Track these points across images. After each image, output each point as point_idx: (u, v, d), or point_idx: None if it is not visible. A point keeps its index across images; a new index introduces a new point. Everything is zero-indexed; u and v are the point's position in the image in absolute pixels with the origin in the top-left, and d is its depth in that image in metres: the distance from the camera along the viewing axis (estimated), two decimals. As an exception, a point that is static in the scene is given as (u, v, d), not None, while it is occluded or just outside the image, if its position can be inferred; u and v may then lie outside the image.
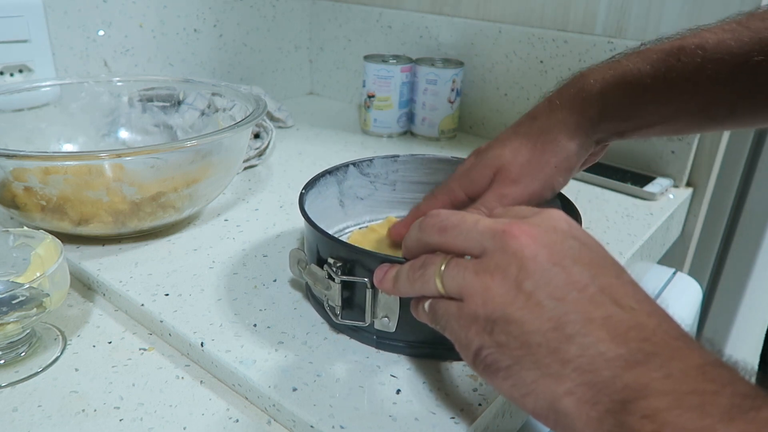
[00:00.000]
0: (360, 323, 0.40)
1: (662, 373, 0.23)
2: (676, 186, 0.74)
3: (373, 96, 0.87)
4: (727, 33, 0.41)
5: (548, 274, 0.27)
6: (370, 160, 0.55)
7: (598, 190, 0.72)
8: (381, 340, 0.41)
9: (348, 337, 0.42)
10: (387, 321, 0.39)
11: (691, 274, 0.80)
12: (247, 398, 0.39)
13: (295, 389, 0.37)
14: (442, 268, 0.31)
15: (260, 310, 0.45)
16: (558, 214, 0.31)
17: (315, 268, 0.41)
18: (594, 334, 0.25)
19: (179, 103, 0.71)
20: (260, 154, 0.75)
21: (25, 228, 0.44)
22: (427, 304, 0.33)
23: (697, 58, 0.41)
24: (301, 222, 0.42)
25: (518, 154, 0.44)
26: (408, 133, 0.91)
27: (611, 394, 0.24)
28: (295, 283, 0.48)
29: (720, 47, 0.41)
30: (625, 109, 0.44)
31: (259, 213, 0.62)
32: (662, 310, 0.27)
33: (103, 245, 0.53)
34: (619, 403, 0.23)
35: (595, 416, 0.24)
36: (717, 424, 0.21)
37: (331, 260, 0.40)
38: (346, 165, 0.54)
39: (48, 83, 0.66)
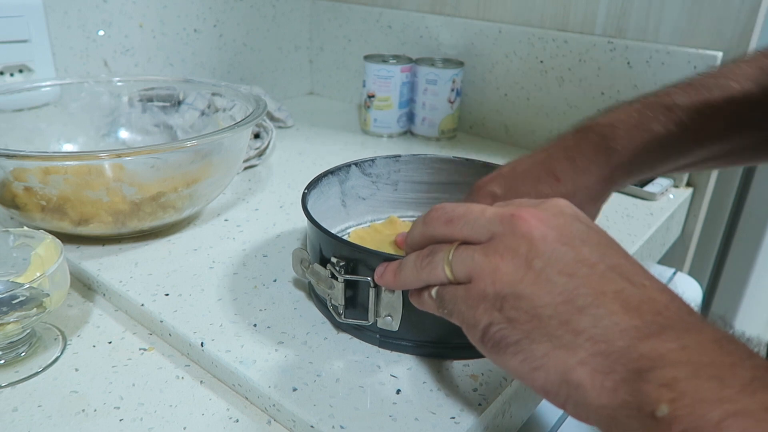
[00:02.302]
0: (363, 322, 0.40)
1: (678, 344, 0.23)
2: (676, 186, 0.74)
3: (373, 96, 0.87)
4: (752, 82, 0.41)
5: (558, 253, 0.28)
6: (372, 160, 0.55)
7: (598, 190, 0.72)
8: (384, 339, 0.41)
9: (349, 337, 0.42)
10: (390, 320, 0.39)
11: (691, 274, 0.80)
12: (247, 398, 0.39)
13: (295, 389, 0.37)
14: (450, 254, 0.31)
15: (260, 310, 0.45)
16: (563, 201, 0.31)
17: (318, 267, 0.41)
18: (606, 307, 0.26)
19: (179, 103, 0.71)
20: (260, 154, 0.75)
21: (25, 228, 0.44)
22: (434, 291, 0.33)
23: (726, 113, 0.41)
24: (302, 222, 0.43)
25: None
26: (408, 133, 0.91)
27: (627, 363, 0.24)
28: (295, 283, 0.48)
29: (747, 99, 0.41)
30: (652, 167, 0.44)
31: (259, 213, 0.62)
32: (671, 289, 0.27)
33: (103, 245, 0.53)
34: (635, 373, 0.23)
35: (609, 386, 0.24)
36: (737, 395, 0.21)
37: (334, 259, 0.40)
38: (348, 165, 0.54)
39: (48, 83, 0.66)
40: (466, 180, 0.55)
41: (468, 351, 0.39)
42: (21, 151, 0.46)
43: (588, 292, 0.26)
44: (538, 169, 0.44)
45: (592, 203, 0.44)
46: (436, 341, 0.40)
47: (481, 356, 0.37)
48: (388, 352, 0.41)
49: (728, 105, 0.41)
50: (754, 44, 0.68)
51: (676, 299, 0.26)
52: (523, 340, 0.27)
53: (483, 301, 0.29)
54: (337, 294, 0.40)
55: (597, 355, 0.25)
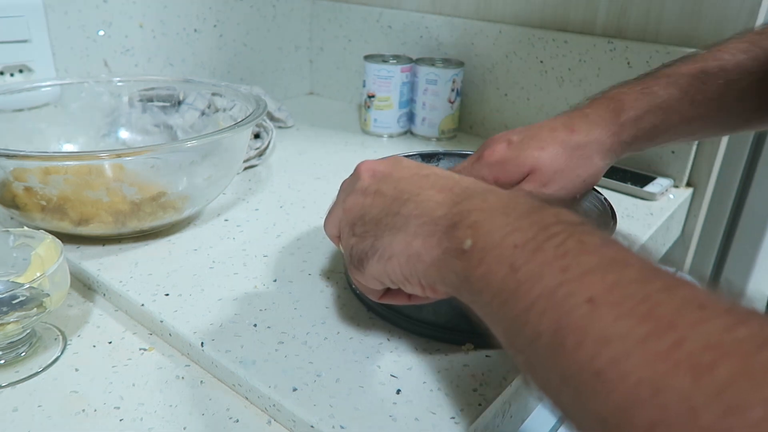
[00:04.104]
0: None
1: (480, 200, 0.30)
2: (676, 186, 0.74)
3: (373, 96, 0.87)
4: (742, 54, 0.47)
5: (388, 177, 0.35)
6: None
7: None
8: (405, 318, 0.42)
9: (349, 337, 0.42)
10: None
11: (691, 274, 0.80)
12: (247, 398, 0.39)
13: (295, 389, 0.37)
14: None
15: (260, 310, 0.45)
16: (401, 156, 0.38)
17: None
18: (425, 194, 0.32)
19: (179, 103, 0.71)
20: (260, 154, 0.75)
21: (26, 228, 0.44)
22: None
23: (720, 80, 0.47)
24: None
25: (554, 161, 0.47)
26: (408, 133, 0.91)
27: (443, 222, 0.30)
28: (295, 283, 0.48)
29: (739, 68, 0.47)
30: (656, 132, 0.48)
31: (259, 213, 0.62)
32: (477, 180, 0.33)
33: (103, 245, 0.53)
34: (450, 227, 0.30)
35: (434, 243, 0.30)
36: (515, 221, 0.27)
37: None
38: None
39: (48, 83, 0.66)
40: None
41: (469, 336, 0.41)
42: (21, 151, 0.46)
43: (410, 189, 0.33)
44: (555, 122, 0.49)
45: (600, 157, 0.48)
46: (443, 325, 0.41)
47: (483, 347, 0.37)
48: (388, 351, 0.41)
49: (722, 72, 0.47)
50: (754, 44, 0.68)
51: (479, 182, 0.32)
52: (374, 243, 0.33)
53: (346, 237, 0.36)
54: None
55: (422, 226, 0.31)
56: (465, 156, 0.58)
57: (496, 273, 0.26)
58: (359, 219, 0.35)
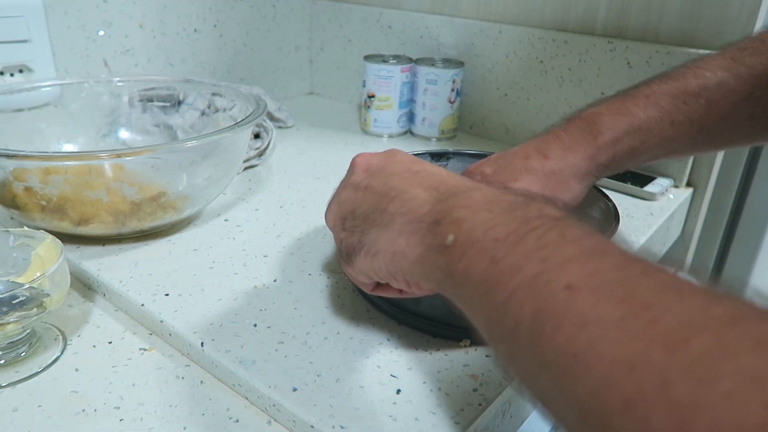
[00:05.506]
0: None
1: (465, 197, 0.30)
2: (676, 186, 0.74)
3: (373, 96, 0.87)
4: (725, 71, 0.45)
5: (379, 172, 0.35)
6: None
7: (598, 190, 0.72)
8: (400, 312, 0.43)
9: (349, 337, 0.42)
10: None
11: (691, 274, 0.80)
12: (247, 398, 0.39)
13: (295, 389, 0.37)
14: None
15: (260, 310, 0.45)
16: (398, 149, 0.38)
17: None
18: (411, 191, 0.33)
19: (179, 103, 0.71)
20: (260, 154, 0.75)
21: (26, 228, 0.44)
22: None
23: (701, 100, 0.45)
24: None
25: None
26: (408, 133, 0.91)
27: (427, 219, 0.30)
28: (295, 284, 0.48)
29: (721, 87, 0.45)
30: (634, 153, 0.47)
31: (259, 213, 0.62)
32: (462, 177, 0.33)
33: (103, 245, 0.53)
34: (434, 223, 0.30)
35: (418, 240, 0.31)
36: (498, 217, 0.27)
37: None
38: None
39: (48, 83, 0.66)
40: None
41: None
42: (21, 151, 0.46)
43: (398, 186, 0.33)
44: (528, 148, 0.48)
45: (577, 181, 0.47)
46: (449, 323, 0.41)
47: (478, 345, 0.37)
48: (388, 351, 0.41)
49: (704, 92, 0.45)
50: (754, 44, 0.68)
51: (467, 181, 0.33)
52: (362, 239, 0.34)
53: (338, 230, 0.37)
54: None
55: (407, 224, 0.31)
56: (475, 155, 0.58)
57: (477, 266, 0.26)
58: (350, 213, 0.36)
